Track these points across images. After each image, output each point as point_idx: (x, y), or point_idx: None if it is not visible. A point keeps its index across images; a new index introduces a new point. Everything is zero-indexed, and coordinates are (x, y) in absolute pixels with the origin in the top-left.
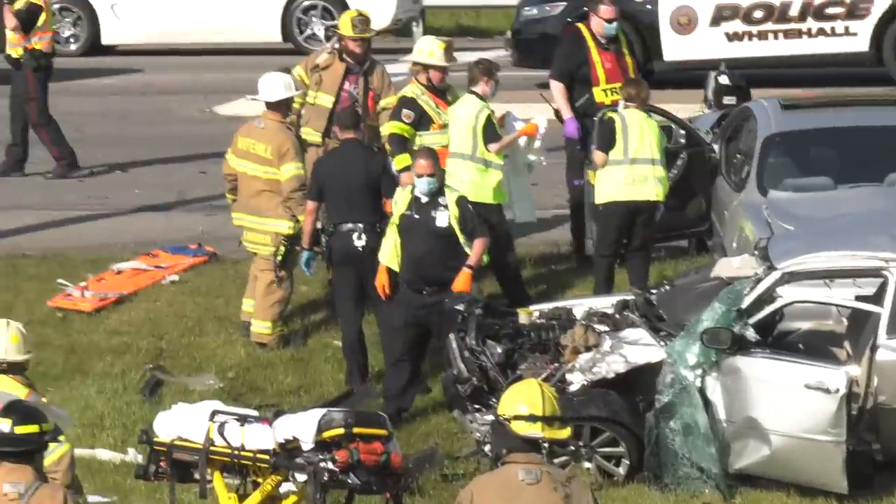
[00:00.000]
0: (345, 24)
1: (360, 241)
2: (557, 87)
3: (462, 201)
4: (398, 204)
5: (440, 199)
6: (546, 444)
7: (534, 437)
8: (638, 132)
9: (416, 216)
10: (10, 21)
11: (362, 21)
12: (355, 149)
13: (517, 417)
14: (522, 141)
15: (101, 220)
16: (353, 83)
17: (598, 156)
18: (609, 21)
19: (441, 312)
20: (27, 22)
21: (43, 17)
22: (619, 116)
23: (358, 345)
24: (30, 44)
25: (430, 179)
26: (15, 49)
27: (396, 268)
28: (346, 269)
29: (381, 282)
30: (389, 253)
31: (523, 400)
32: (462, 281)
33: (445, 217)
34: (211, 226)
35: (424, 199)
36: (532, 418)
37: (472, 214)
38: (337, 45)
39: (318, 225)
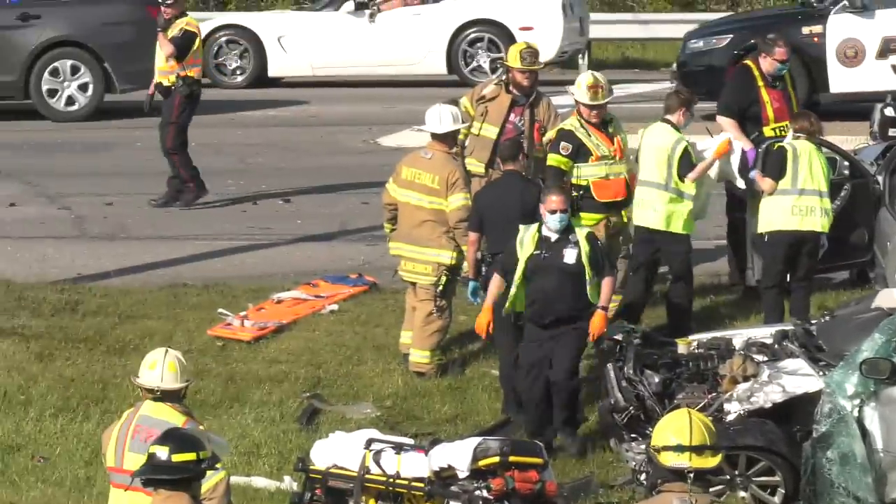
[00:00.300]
0: (513, 55)
1: None
2: (728, 122)
3: (592, 238)
4: (524, 245)
5: (570, 237)
6: (691, 474)
7: (680, 467)
8: (807, 163)
9: (546, 255)
10: (168, 48)
11: (531, 53)
12: (514, 180)
13: (666, 448)
14: (714, 168)
15: (263, 250)
16: (519, 115)
17: (767, 183)
18: (783, 63)
19: (561, 343)
20: (183, 49)
21: (197, 42)
22: (790, 147)
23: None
24: (183, 71)
25: (561, 216)
26: (167, 77)
27: (519, 308)
28: (503, 299)
29: (484, 322)
30: (510, 296)
31: (671, 430)
32: (598, 323)
33: (574, 254)
34: (372, 256)
35: (554, 238)
36: (679, 448)
37: (603, 252)
38: (504, 77)
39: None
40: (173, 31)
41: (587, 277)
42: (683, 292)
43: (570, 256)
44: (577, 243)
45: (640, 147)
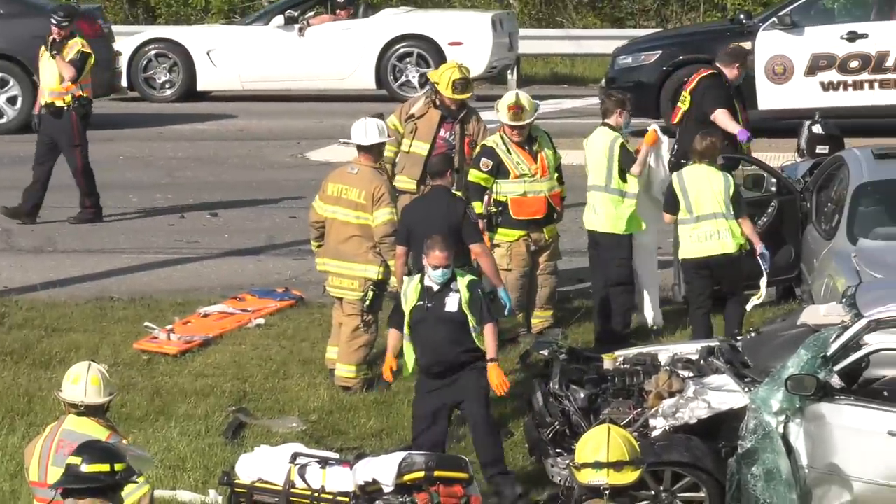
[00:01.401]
0: (445, 83)
1: None
2: (725, 113)
3: (473, 286)
4: (408, 297)
5: (452, 285)
6: (607, 491)
7: (597, 484)
8: (696, 190)
9: (429, 305)
10: (69, 70)
11: (462, 84)
12: (440, 196)
13: (584, 465)
14: (653, 159)
15: (190, 264)
16: (449, 130)
17: (665, 217)
18: (742, 73)
19: (465, 392)
20: (80, 70)
21: (90, 63)
22: (678, 177)
23: None
24: (78, 91)
25: (443, 272)
26: (61, 98)
27: (411, 362)
28: None
29: (388, 367)
30: (407, 351)
31: (590, 447)
32: (494, 376)
33: (456, 302)
34: (299, 270)
35: (437, 287)
36: (597, 465)
37: (483, 300)
38: (432, 95)
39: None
40: (70, 52)
41: (471, 325)
42: (621, 300)
43: (451, 304)
44: (457, 290)
45: (585, 153)
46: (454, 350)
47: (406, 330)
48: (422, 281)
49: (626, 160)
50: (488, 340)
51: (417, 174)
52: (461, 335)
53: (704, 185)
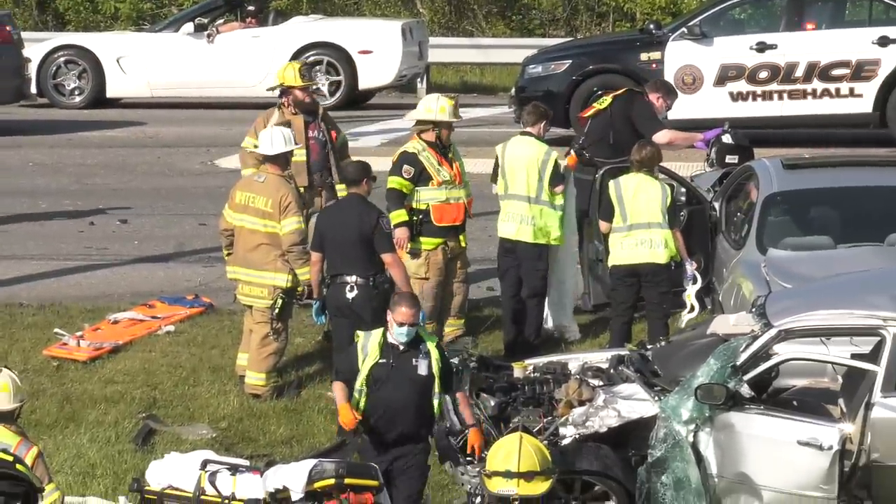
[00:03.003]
0: (291, 75)
1: (351, 294)
2: (667, 133)
3: (442, 348)
4: (368, 351)
5: (420, 346)
6: (516, 501)
7: (507, 494)
8: (632, 197)
9: (394, 364)
10: None
11: (308, 70)
12: (353, 204)
13: (495, 473)
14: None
15: (100, 271)
16: (315, 129)
17: (602, 225)
18: (668, 109)
19: (403, 479)
20: None
21: None
22: (615, 185)
23: None
24: None
25: (409, 330)
26: None
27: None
28: (340, 321)
29: (348, 419)
30: (354, 403)
31: (501, 456)
32: (476, 438)
33: (426, 365)
34: (209, 277)
35: (402, 347)
36: (508, 475)
37: (451, 364)
38: (283, 100)
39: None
40: None
41: (435, 390)
42: (536, 311)
43: (422, 367)
44: (427, 353)
45: (504, 161)
46: (414, 416)
47: (360, 385)
48: (383, 335)
49: (555, 177)
50: (464, 408)
51: (304, 181)
52: (424, 401)
53: (641, 195)
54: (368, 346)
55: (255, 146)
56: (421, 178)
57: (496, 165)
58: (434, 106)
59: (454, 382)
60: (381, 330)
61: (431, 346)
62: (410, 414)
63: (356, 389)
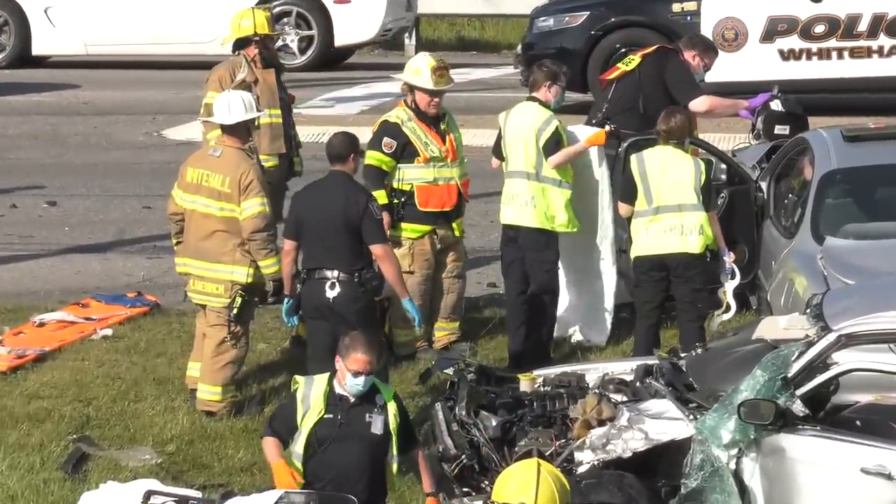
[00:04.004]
0: (262, 21)
1: (332, 292)
2: (706, 99)
3: (400, 400)
4: (310, 405)
5: (375, 398)
6: None
7: None
8: (659, 174)
9: (342, 420)
10: None
11: (274, 18)
12: (338, 183)
13: None
14: (595, 156)
15: (23, 263)
16: (281, 88)
17: (621, 208)
18: (706, 69)
19: None
20: None
21: None
22: (637, 160)
23: None
24: None
25: (366, 380)
26: None
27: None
28: (318, 324)
29: (286, 480)
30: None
31: (515, 485)
32: None
33: (381, 421)
34: (154, 271)
35: (353, 399)
36: None
37: (411, 421)
38: (243, 55)
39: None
40: None
41: (393, 452)
42: (544, 312)
43: (376, 425)
44: (383, 407)
45: (504, 132)
46: (367, 483)
47: (301, 448)
48: (330, 384)
49: (550, 147)
50: (424, 470)
51: (281, 147)
52: (375, 464)
53: (669, 171)
54: (311, 398)
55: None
56: (405, 152)
57: (499, 137)
58: (412, 65)
59: (415, 438)
60: (325, 377)
61: (388, 397)
62: (363, 480)
63: (293, 452)
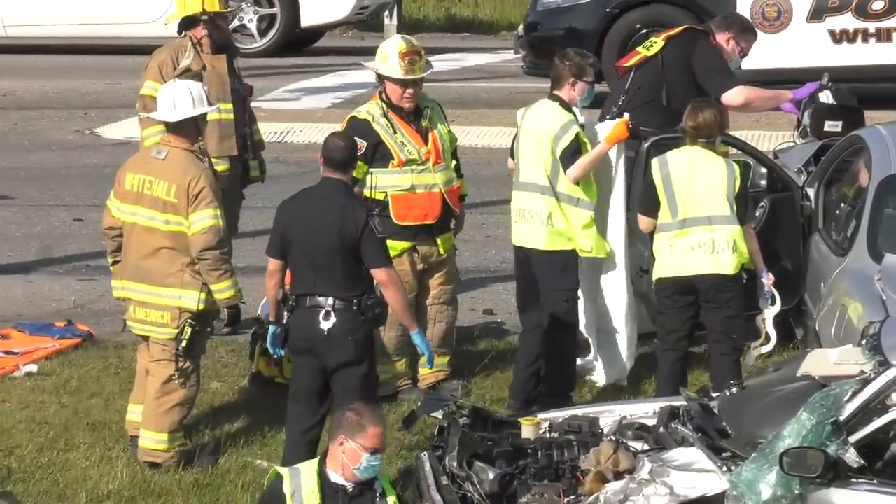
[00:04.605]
0: (211, 0)
1: (326, 323)
2: (745, 89)
3: (396, 489)
4: (300, 498)
5: (374, 485)
6: None
7: None
8: (686, 180)
9: None
10: None
11: None
12: (333, 193)
13: None
14: (613, 155)
15: None
16: (234, 78)
17: (641, 221)
18: (743, 55)
19: None
20: None
21: None
22: (660, 163)
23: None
24: None
25: (378, 458)
26: None
27: None
28: (305, 360)
29: None
30: None
31: None
32: None
33: None
34: (87, 295)
35: (352, 487)
36: None
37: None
38: (190, 36)
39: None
40: None
41: None
42: (561, 348)
43: None
44: (384, 494)
45: (519, 135)
46: None
47: None
48: (321, 474)
49: (567, 156)
50: None
51: (231, 149)
52: None
53: (698, 177)
54: (302, 493)
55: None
56: (376, 155)
57: (516, 136)
58: (380, 51)
59: None
60: (313, 465)
61: (387, 484)
62: None
63: None
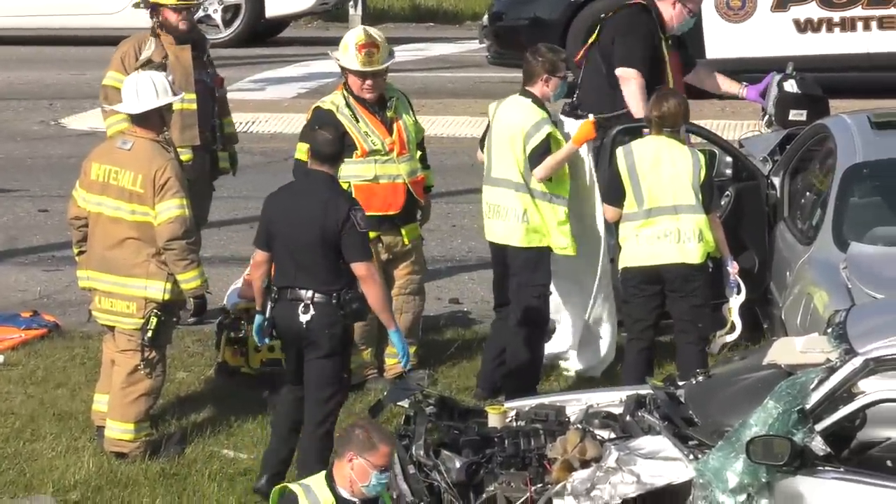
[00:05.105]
0: None
1: (304, 316)
2: (634, 77)
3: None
4: None
5: (378, 502)
6: None
7: None
8: (651, 170)
9: None
10: None
11: None
12: (318, 186)
13: None
14: (584, 151)
15: None
16: (201, 70)
17: (607, 211)
18: (693, 15)
19: None
20: None
21: None
22: (625, 152)
23: (285, 455)
24: None
25: (386, 475)
26: None
27: None
28: (290, 349)
29: None
30: None
31: None
32: None
33: None
34: (53, 286)
35: (358, 502)
36: None
37: None
38: (155, 23)
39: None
40: None
41: None
42: (529, 344)
43: None
44: None
45: (491, 130)
46: None
47: None
48: (332, 491)
49: (536, 155)
50: None
51: (194, 138)
52: None
53: (664, 166)
54: None
55: (118, 84)
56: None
57: (487, 128)
58: (342, 42)
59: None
60: (321, 481)
61: (388, 501)
62: None
63: None
